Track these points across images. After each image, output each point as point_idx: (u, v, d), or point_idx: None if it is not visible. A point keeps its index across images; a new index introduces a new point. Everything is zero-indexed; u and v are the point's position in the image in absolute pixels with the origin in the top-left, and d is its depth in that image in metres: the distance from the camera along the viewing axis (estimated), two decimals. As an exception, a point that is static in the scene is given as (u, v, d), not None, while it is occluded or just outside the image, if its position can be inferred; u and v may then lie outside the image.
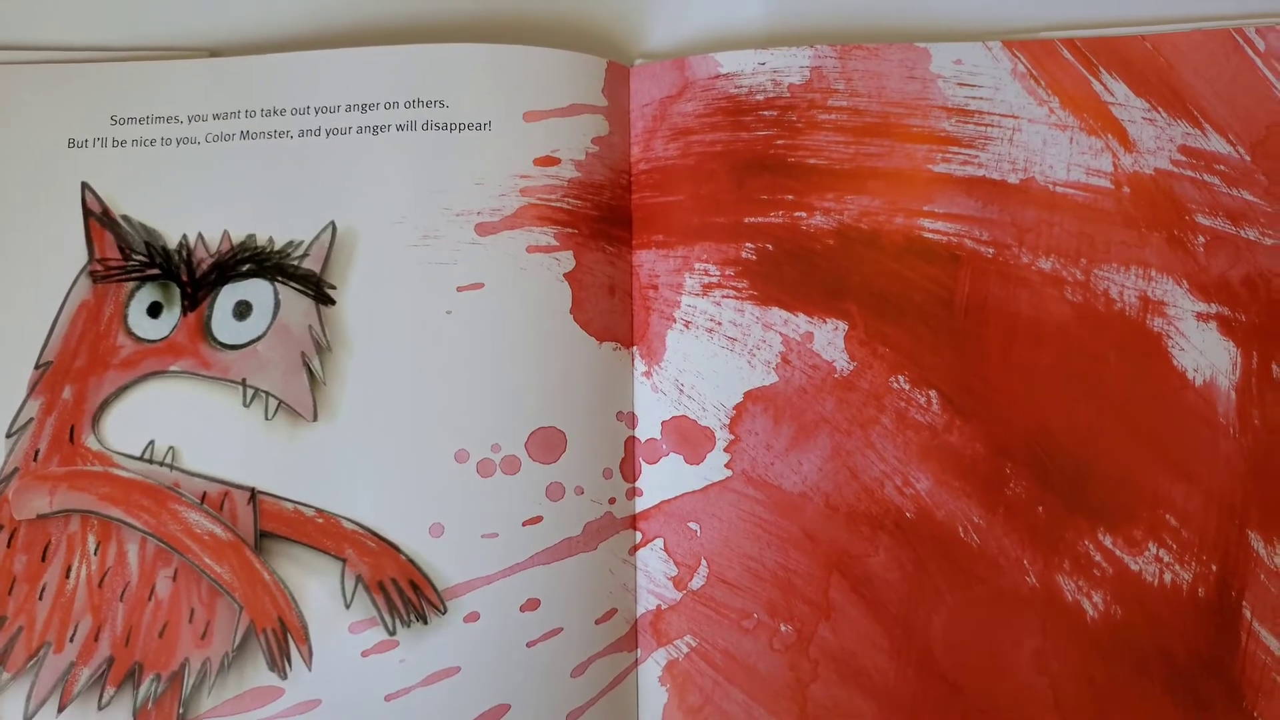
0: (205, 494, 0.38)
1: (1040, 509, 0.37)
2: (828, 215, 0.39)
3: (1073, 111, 0.40)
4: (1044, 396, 0.38)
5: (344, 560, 0.37)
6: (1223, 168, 0.39)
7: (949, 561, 0.37)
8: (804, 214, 0.39)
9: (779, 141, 0.40)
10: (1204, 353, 0.38)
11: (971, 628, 0.37)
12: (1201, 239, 0.39)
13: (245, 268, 0.39)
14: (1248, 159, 0.39)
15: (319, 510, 0.37)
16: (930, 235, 0.39)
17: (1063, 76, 0.40)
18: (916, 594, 0.37)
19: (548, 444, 0.38)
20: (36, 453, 0.38)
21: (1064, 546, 0.37)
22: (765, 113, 0.40)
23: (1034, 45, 0.40)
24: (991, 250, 0.39)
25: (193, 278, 0.39)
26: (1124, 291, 0.38)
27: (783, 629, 0.37)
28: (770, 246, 0.39)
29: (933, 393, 0.38)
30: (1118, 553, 0.37)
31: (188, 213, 0.40)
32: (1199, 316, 0.38)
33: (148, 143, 0.40)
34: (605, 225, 0.40)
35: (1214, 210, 0.39)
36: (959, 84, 0.40)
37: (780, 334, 0.39)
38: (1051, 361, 0.38)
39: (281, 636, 0.37)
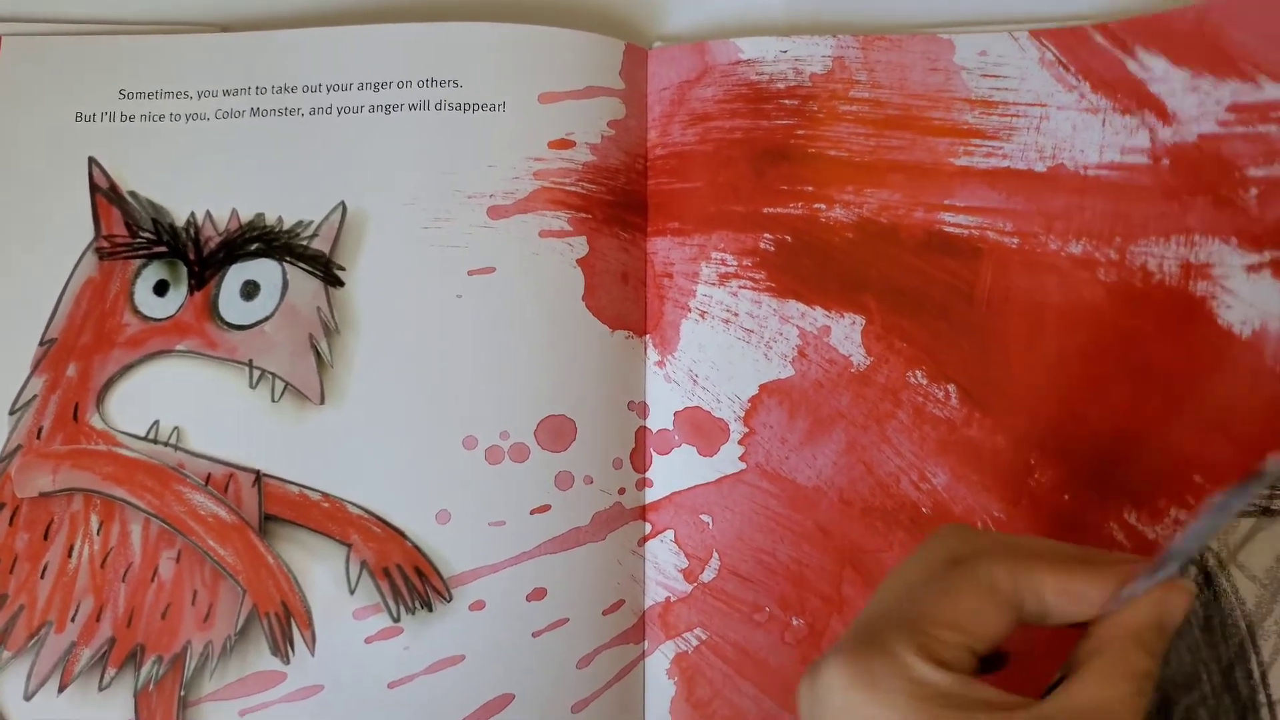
0: (210, 476, 0.37)
1: (1066, 496, 0.37)
2: (847, 208, 0.39)
3: (1105, 94, 0.39)
4: (1073, 382, 0.37)
5: (349, 545, 0.37)
6: (1278, 114, 0.38)
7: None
8: (823, 206, 0.39)
9: (800, 131, 0.39)
10: (1253, 304, 0.37)
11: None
12: (1254, 191, 0.38)
13: (253, 247, 0.39)
14: None
15: (325, 494, 0.37)
16: (951, 229, 0.39)
17: (1094, 61, 0.39)
18: (930, 592, 0.37)
19: (557, 432, 0.37)
20: (40, 430, 0.38)
21: (1089, 532, 0.36)
22: (786, 101, 0.40)
23: (1064, 33, 0.39)
24: (1016, 240, 0.38)
25: (200, 256, 0.39)
26: (1164, 263, 0.38)
27: (794, 623, 0.37)
28: (789, 238, 0.39)
29: (951, 387, 0.38)
30: (1139, 527, 0.36)
31: (196, 190, 0.39)
32: (1249, 269, 0.37)
33: (157, 118, 0.40)
34: (620, 211, 0.39)
35: (1269, 158, 0.38)
36: (983, 75, 0.39)
37: (797, 327, 0.38)
38: (1082, 345, 0.37)
39: (284, 621, 0.36)
